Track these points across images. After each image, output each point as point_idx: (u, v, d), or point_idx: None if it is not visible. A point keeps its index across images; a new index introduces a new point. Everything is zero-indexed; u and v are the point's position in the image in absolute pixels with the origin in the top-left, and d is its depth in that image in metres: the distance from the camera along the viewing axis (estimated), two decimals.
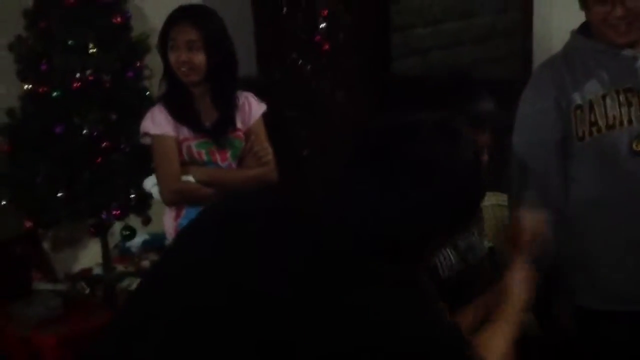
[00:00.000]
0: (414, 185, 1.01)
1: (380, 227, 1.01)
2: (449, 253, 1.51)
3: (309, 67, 3.54)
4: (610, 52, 1.77)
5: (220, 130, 2.27)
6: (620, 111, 1.74)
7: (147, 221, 2.76)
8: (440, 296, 1.41)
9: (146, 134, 2.28)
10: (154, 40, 2.58)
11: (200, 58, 2.19)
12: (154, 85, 2.68)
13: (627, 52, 1.75)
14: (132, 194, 2.63)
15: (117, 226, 2.82)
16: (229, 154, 2.30)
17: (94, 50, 2.60)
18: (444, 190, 1.03)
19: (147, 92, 2.75)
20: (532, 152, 1.80)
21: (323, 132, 3.48)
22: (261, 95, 2.46)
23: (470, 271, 1.56)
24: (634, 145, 1.74)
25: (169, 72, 2.26)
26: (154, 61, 2.46)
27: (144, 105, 2.63)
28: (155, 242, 2.94)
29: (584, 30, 1.83)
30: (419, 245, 1.06)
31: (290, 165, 2.48)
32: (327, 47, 3.49)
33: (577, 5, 2.87)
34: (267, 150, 2.34)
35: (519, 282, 1.36)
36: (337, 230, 1.01)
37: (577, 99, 1.76)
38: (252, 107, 2.37)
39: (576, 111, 1.76)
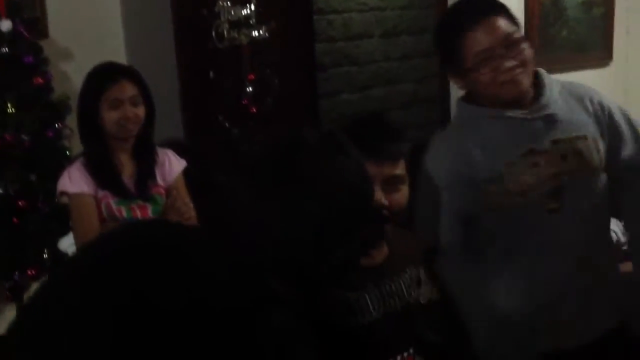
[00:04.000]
0: (298, 197, 1.03)
1: (272, 243, 1.02)
2: (375, 296, 1.47)
3: (236, 130, 3.57)
4: (501, 117, 1.71)
5: (141, 185, 2.26)
6: (528, 174, 1.70)
7: None
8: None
9: (63, 193, 2.24)
10: (75, 101, 2.59)
11: (142, 111, 2.25)
12: (74, 145, 2.67)
13: (515, 114, 1.71)
14: (47, 255, 2.55)
15: (34, 288, 2.72)
16: (150, 210, 2.28)
17: (13, 110, 2.56)
18: (326, 201, 1.04)
19: (67, 152, 2.72)
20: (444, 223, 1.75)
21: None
22: (189, 160, 2.47)
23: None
24: (547, 206, 1.71)
25: (93, 131, 2.25)
26: (74, 121, 2.46)
27: (64, 165, 2.60)
28: None
29: (468, 98, 1.78)
30: (315, 261, 1.06)
31: (220, 228, 2.46)
32: (254, 110, 3.54)
33: None
34: (189, 206, 2.33)
35: None
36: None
37: (484, 172, 1.70)
38: (172, 164, 2.37)
39: (489, 186, 1.71)
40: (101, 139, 2.25)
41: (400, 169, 1.44)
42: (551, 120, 1.73)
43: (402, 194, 1.45)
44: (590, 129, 1.76)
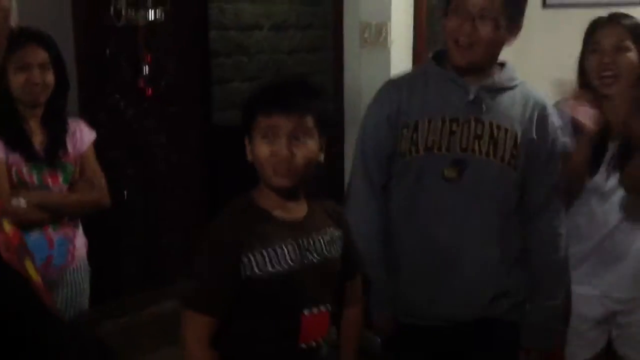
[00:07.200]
0: None
1: None
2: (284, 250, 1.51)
3: (131, 110, 3.54)
4: (446, 78, 1.84)
5: (52, 152, 2.23)
6: (441, 137, 1.80)
7: None
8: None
9: None
10: None
11: (51, 78, 2.22)
12: None
13: (459, 80, 1.82)
14: None
15: None
16: (60, 178, 2.24)
17: None
18: None
19: None
20: (366, 164, 1.90)
21: (144, 173, 3.47)
22: None
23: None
24: (445, 172, 1.81)
25: (1, 93, 2.19)
26: None
27: None
28: None
29: (439, 55, 1.91)
30: None
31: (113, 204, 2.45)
32: (150, 92, 3.53)
33: (381, 65, 3.17)
34: (99, 176, 2.33)
35: None
36: None
37: (406, 118, 1.83)
38: (84, 134, 2.35)
39: (403, 130, 1.83)
40: (10, 103, 2.20)
41: (309, 123, 1.48)
42: (485, 102, 1.82)
43: (308, 148, 1.48)
44: (516, 127, 1.82)
